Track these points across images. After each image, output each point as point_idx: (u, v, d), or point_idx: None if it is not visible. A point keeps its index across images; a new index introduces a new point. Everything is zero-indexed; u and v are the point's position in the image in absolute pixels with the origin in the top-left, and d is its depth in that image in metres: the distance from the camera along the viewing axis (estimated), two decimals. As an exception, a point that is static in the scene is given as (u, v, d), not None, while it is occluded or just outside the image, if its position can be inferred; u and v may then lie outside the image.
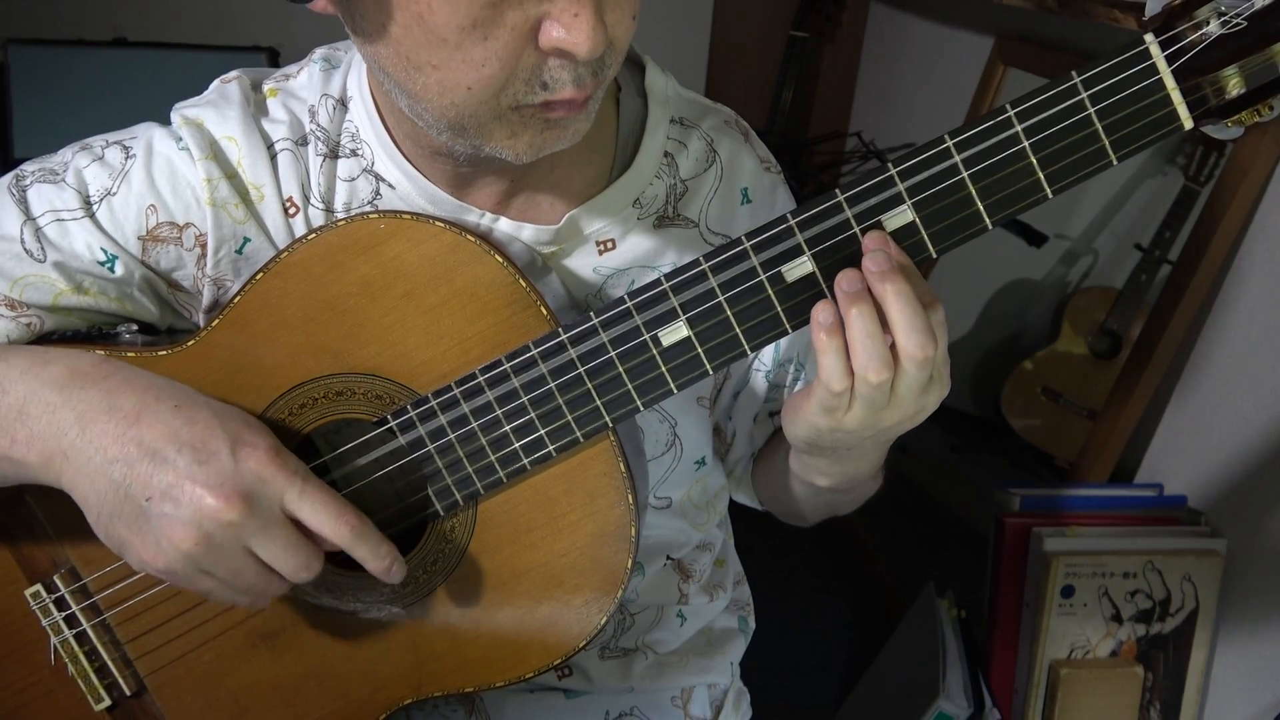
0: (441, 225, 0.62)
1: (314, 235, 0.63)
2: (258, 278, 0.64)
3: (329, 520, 0.59)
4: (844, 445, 0.62)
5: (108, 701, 0.72)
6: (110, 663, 0.71)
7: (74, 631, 0.71)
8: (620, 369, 0.60)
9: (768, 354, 0.80)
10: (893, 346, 0.55)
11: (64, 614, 0.70)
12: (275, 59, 2.02)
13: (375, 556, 0.61)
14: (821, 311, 0.55)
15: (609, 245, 0.71)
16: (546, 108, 0.57)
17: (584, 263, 0.71)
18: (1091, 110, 0.52)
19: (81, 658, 0.71)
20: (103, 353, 0.66)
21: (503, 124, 0.58)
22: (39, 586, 0.70)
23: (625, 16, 0.56)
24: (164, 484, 0.57)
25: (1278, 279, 1.28)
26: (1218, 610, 1.34)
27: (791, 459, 0.71)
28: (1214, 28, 0.49)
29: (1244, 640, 1.33)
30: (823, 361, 0.55)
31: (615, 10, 0.55)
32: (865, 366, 0.54)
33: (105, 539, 0.61)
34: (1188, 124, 0.52)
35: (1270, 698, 1.27)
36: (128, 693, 0.72)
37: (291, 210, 0.69)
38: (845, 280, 0.55)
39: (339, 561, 0.62)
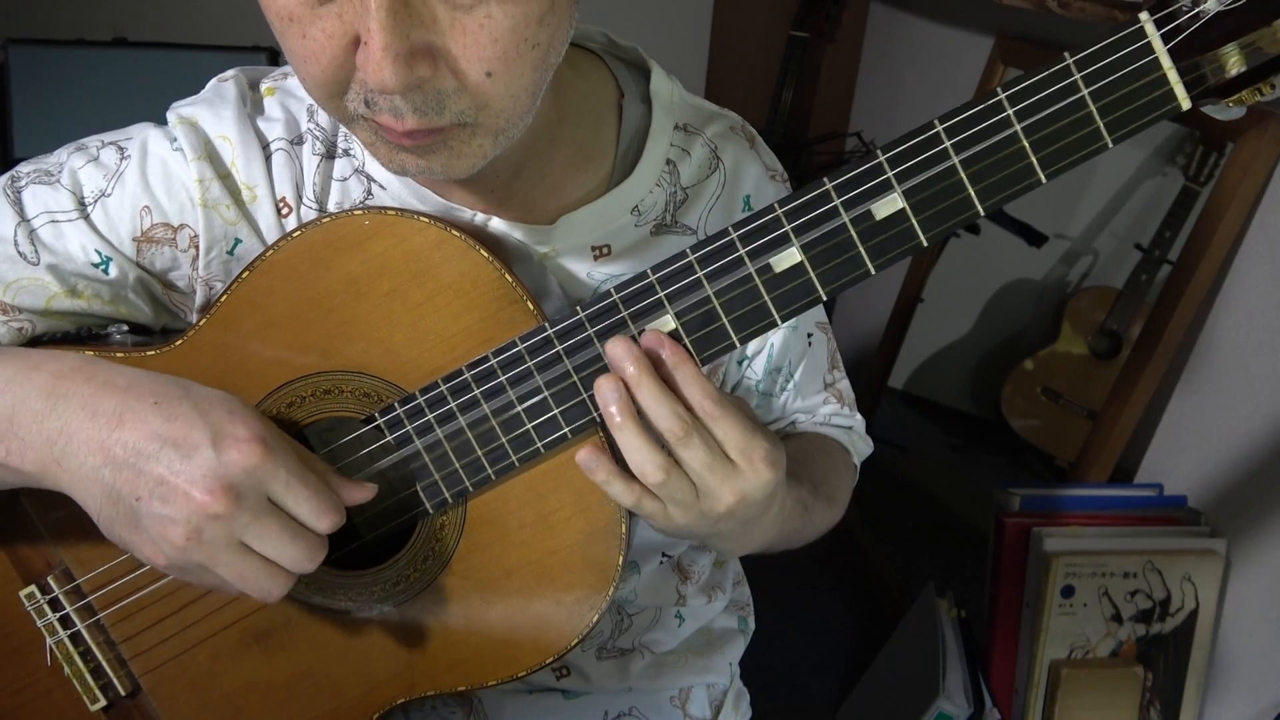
0: (426, 220, 0.62)
1: (299, 233, 0.63)
2: (244, 276, 0.64)
3: (311, 515, 0.59)
4: (719, 534, 0.64)
5: (103, 702, 0.72)
6: (105, 663, 0.71)
7: (69, 632, 0.71)
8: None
9: (759, 363, 0.80)
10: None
11: (59, 615, 0.70)
12: (275, 59, 2.03)
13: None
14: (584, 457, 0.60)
15: (604, 251, 0.71)
16: (381, 127, 0.55)
17: (579, 267, 0.71)
18: (1085, 92, 0.51)
19: (77, 658, 0.71)
20: (92, 354, 0.65)
21: (359, 129, 0.57)
22: (34, 587, 0.70)
23: (478, 65, 0.52)
24: (150, 484, 0.57)
25: (1278, 279, 1.28)
26: (1218, 610, 1.34)
27: None
28: (1212, 4, 0.48)
29: (1244, 640, 1.32)
30: (609, 491, 0.60)
31: (464, 59, 0.52)
32: (640, 470, 0.58)
33: (112, 540, 0.60)
34: (1185, 104, 0.50)
35: (1270, 698, 1.27)
36: (123, 693, 0.72)
37: (284, 210, 0.69)
38: (602, 394, 0.58)
39: (330, 561, 0.62)
